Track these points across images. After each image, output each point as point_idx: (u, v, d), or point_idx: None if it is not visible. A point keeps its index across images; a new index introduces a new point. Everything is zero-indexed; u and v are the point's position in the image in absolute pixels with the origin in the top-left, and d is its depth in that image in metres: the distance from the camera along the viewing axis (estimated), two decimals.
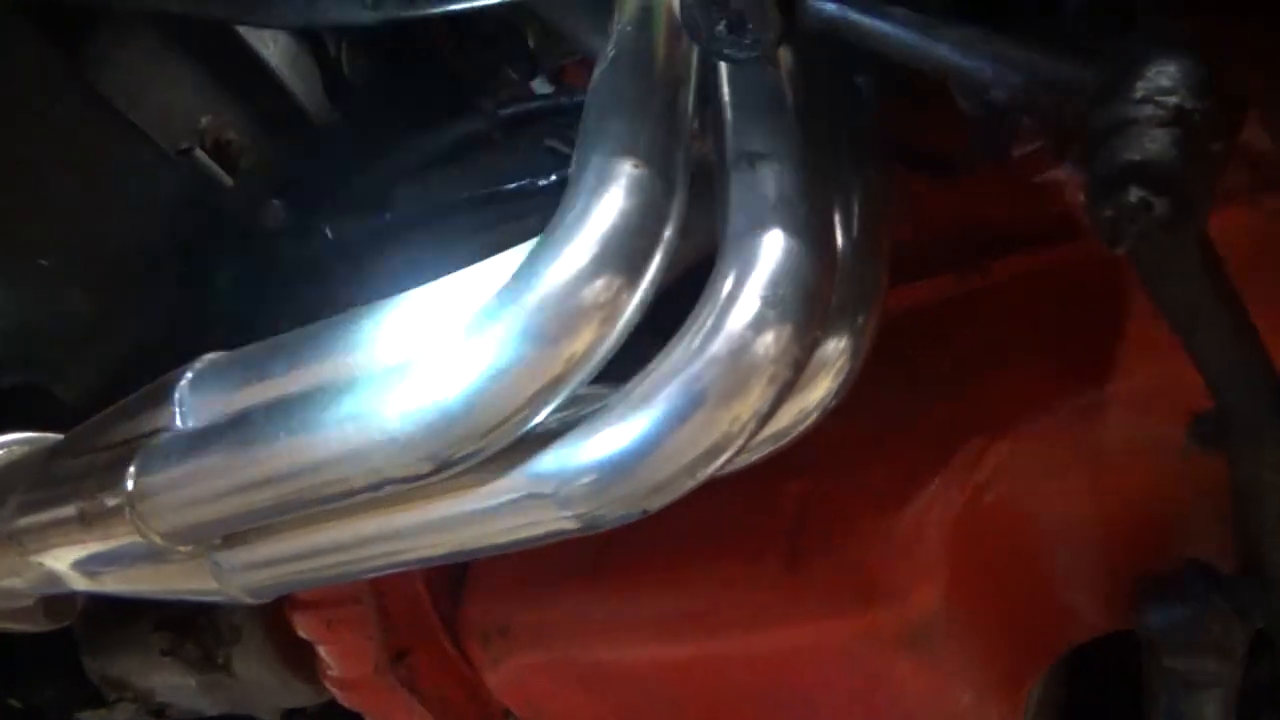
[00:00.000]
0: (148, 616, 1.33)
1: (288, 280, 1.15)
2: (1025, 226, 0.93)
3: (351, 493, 0.69)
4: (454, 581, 1.11)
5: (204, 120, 1.14)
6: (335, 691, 1.14)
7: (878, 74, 0.83)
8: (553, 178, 0.97)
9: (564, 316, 0.62)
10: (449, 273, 0.97)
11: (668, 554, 0.97)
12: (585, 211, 0.63)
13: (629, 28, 0.76)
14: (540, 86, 1.15)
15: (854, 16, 0.65)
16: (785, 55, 0.74)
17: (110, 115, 1.07)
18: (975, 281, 0.95)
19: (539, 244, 0.64)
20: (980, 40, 0.61)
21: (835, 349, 0.72)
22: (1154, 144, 0.53)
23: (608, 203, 0.63)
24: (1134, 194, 0.53)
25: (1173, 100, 0.54)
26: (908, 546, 0.86)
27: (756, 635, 0.91)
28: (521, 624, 1.03)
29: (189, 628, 1.31)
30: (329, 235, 1.10)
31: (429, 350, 0.66)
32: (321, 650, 1.12)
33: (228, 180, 1.14)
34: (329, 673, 1.13)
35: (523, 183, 0.99)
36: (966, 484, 0.86)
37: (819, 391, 0.74)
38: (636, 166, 0.64)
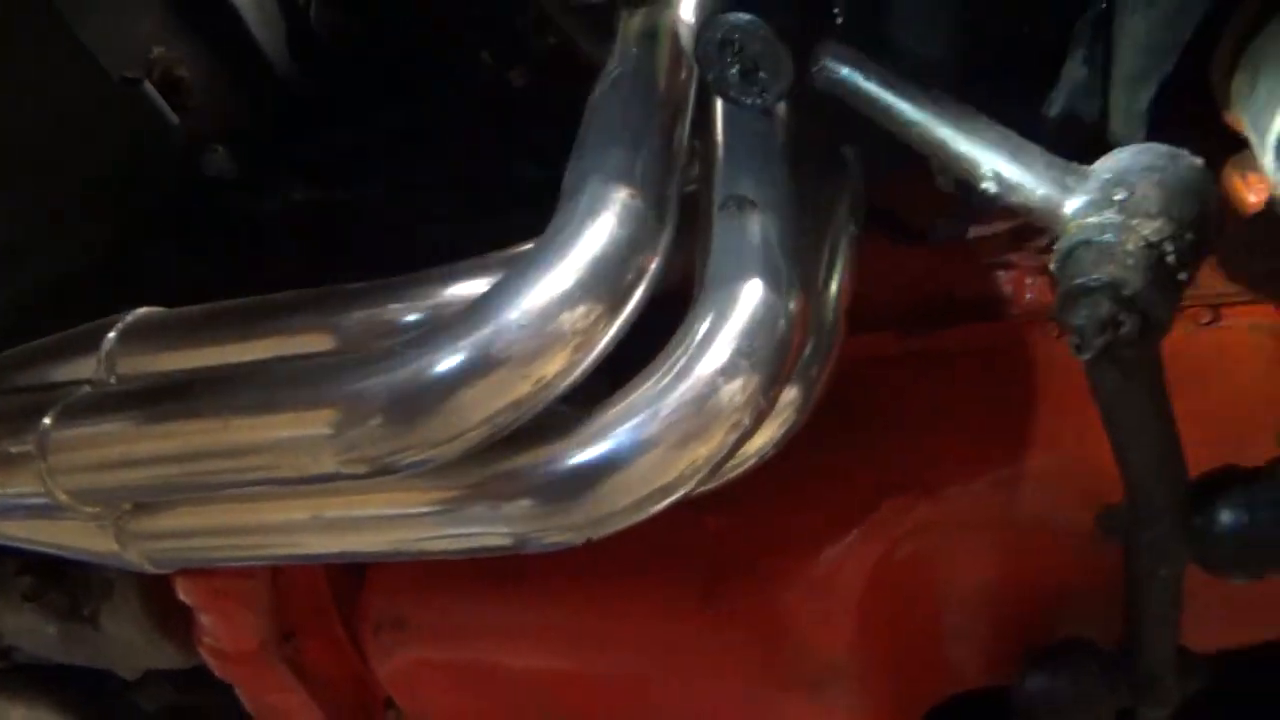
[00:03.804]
0: (10, 558, 1.25)
1: (225, 237, 1.10)
2: (971, 300, 0.97)
3: (280, 481, 0.66)
4: (355, 566, 1.09)
5: (156, 51, 1.08)
6: (211, 662, 1.10)
7: (863, 135, 0.85)
8: (537, 176, 0.95)
9: (540, 339, 0.61)
10: (413, 261, 0.95)
11: (580, 569, 0.97)
12: (577, 234, 0.63)
13: (634, 48, 0.75)
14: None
15: (863, 83, 0.66)
16: (782, 105, 0.75)
17: (56, 27, 1.00)
18: (916, 344, 0.99)
19: (527, 257, 0.63)
20: (982, 131, 0.63)
21: (786, 400, 0.74)
22: (1131, 263, 0.56)
23: (600, 228, 0.63)
24: (1106, 308, 0.56)
25: (1151, 226, 0.57)
26: (822, 593, 0.88)
27: (663, 661, 0.92)
28: (421, 619, 1.01)
29: (56, 576, 1.24)
30: (279, 197, 1.05)
31: (391, 348, 0.64)
32: (204, 619, 1.07)
33: (173, 118, 1.08)
34: (207, 642, 1.09)
35: (505, 176, 0.96)
36: (885, 538, 0.89)
37: (762, 439, 0.75)
38: (633, 196, 0.64)
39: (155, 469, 0.67)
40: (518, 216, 0.96)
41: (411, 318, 0.69)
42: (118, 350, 0.74)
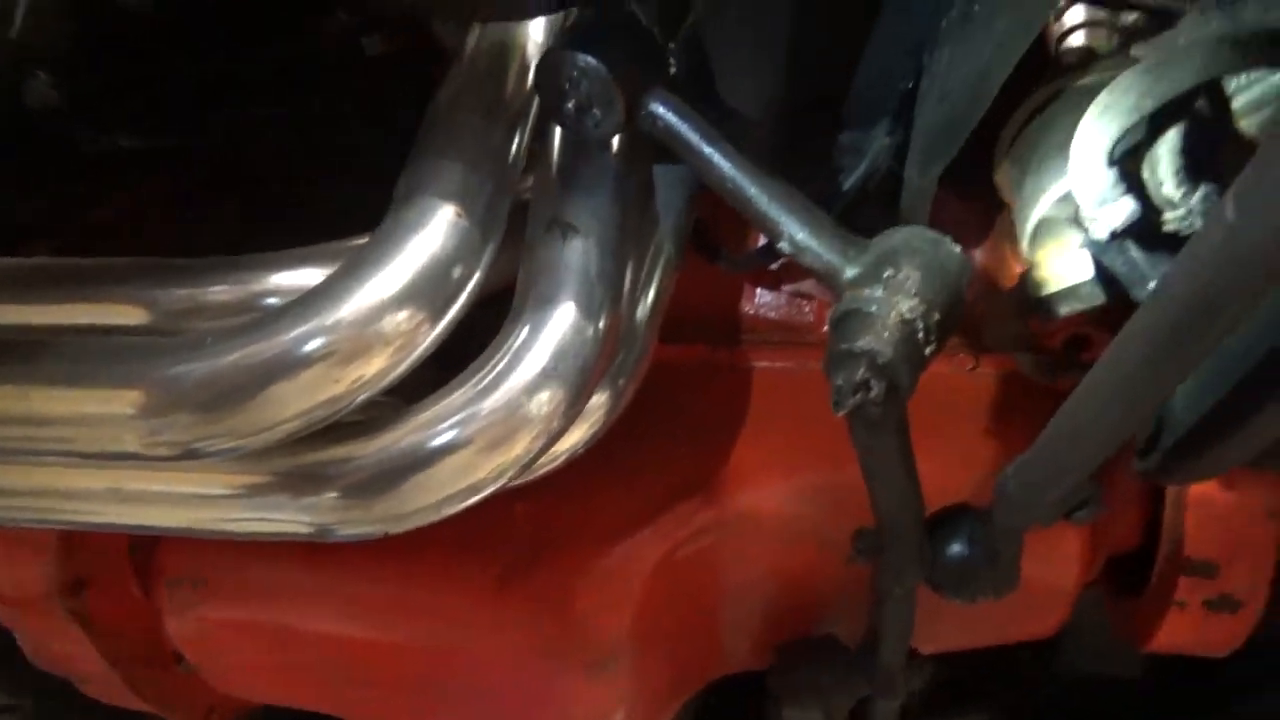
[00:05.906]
0: None
1: (47, 173, 1.05)
2: (775, 323, 1.06)
3: (80, 455, 0.66)
4: None
5: None
6: None
7: None
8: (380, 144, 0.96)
9: (361, 340, 0.64)
10: (244, 230, 0.95)
11: (384, 541, 1.00)
12: (402, 243, 0.66)
13: (484, 53, 0.78)
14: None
15: (686, 134, 0.72)
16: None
17: None
18: (723, 358, 1.07)
19: (353, 259, 0.65)
20: (783, 195, 0.70)
21: (594, 405, 0.80)
22: (886, 335, 0.64)
23: (425, 241, 0.66)
24: (860, 373, 0.64)
25: (908, 304, 0.65)
26: (606, 583, 0.95)
27: (454, 635, 0.97)
28: (219, 578, 1.02)
29: None
30: (105, 138, 1.01)
31: (206, 334, 0.65)
32: None
33: None
34: None
35: (348, 140, 0.97)
36: (670, 538, 0.97)
37: (571, 441, 0.81)
38: (460, 216, 0.67)
39: None
40: (354, 182, 0.97)
41: (233, 301, 0.70)
42: None
